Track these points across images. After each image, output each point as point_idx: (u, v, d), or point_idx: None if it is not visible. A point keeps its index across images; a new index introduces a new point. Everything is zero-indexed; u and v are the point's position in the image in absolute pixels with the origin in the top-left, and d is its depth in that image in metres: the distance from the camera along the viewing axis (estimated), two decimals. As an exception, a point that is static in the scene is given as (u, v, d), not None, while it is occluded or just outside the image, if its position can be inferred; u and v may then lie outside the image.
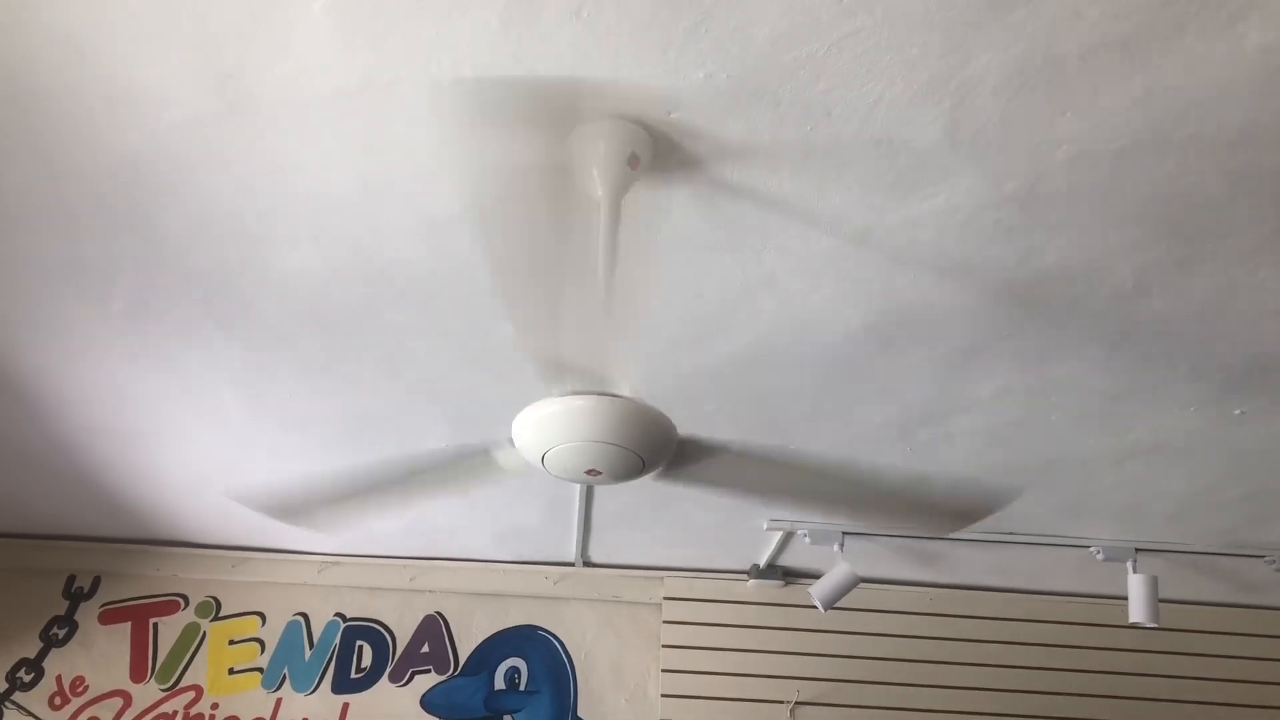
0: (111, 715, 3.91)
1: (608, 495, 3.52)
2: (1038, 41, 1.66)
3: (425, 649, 4.06)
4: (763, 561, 4.01)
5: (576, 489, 3.46)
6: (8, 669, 3.93)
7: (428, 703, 4.00)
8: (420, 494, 2.29)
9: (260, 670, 4.00)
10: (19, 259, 2.35)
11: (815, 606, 3.58)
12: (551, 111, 1.85)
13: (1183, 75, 1.71)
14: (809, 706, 4.00)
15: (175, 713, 3.93)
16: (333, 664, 4.03)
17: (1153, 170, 1.93)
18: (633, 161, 1.88)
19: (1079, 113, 1.80)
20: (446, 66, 1.76)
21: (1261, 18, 1.60)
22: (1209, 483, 3.19)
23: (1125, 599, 3.46)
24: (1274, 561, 3.63)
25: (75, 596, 4.05)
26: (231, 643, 4.04)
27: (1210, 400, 2.73)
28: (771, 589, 4.10)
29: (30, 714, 3.88)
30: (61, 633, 4.00)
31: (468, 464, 2.06)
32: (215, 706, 3.95)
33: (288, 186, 2.08)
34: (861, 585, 3.54)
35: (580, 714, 4.02)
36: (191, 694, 3.96)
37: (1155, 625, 3.40)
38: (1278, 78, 1.70)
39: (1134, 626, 3.44)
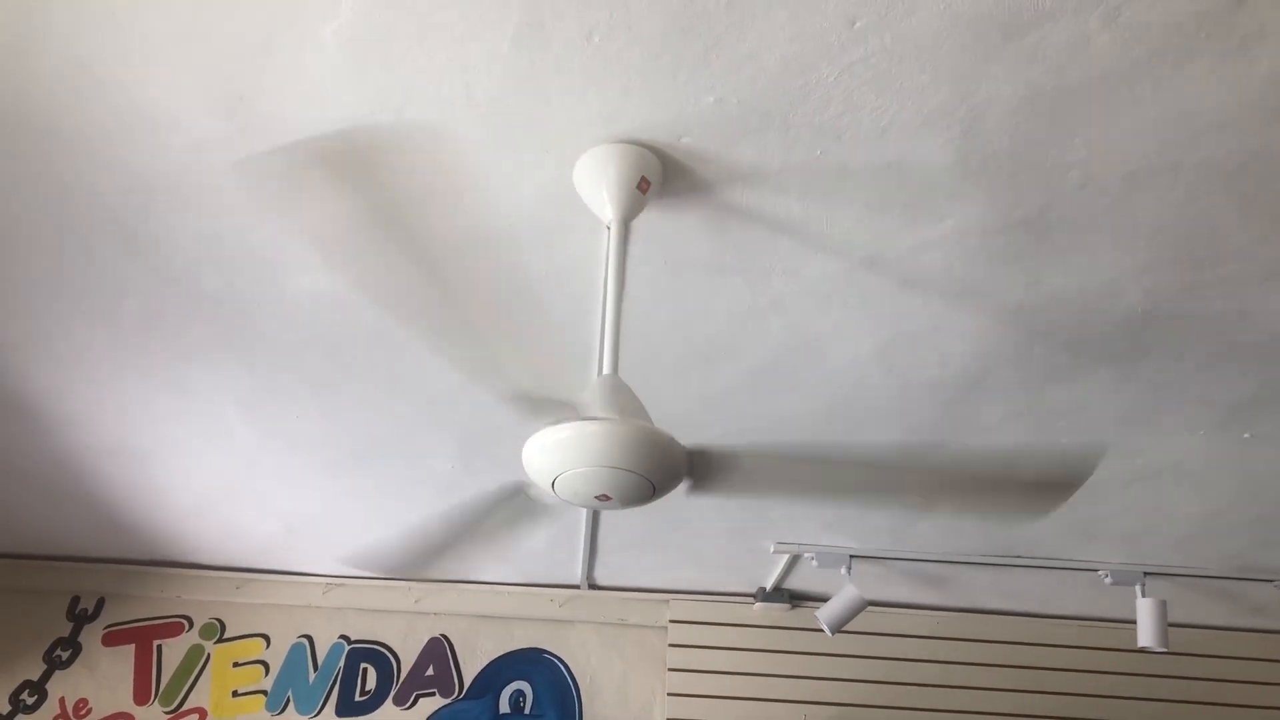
0: (115, 738, 3.90)
1: (614, 518, 3.51)
2: (1048, 67, 1.66)
3: (430, 672, 4.05)
4: (769, 584, 4.00)
5: (583, 511, 3.45)
6: (10, 691, 3.92)
7: (432, 726, 3.99)
8: (477, 542, 2.36)
9: (264, 693, 3.99)
10: (29, 279, 2.36)
11: (822, 630, 3.56)
12: (562, 135, 1.86)
13: (1193, 101, 1.71)
14: (815, 731, 3.98)
15: (178, 735, 3.92)
16: (337, 687, 4.01)
17: (1163, 195, 1.93)
18: (643, 185, 1.88)
19: (1089, 138, 1.80)
20: (458, 90, 1.77)
21: (1272, 44, 1.60)
22: (1218, 506, 3.18)
23: (1134, 623, 3.44)
24: (1283, 585, 3.62)
25: (79, 618, 4.04)
26: (236, 665, 4.02)
27: (1219, 424, 2.72)
28: (778, 612, 4.08)
29: (33, 736, 3.87)
30: (65, 654, 3.99)
31: (512, 505, 2.08)
32: (219, 729, 3.94)
33: (297, 209, 2.08)
34: (869, 609, 3.53)
35: (585, 738, 4.01)
36: (195, 716, 3.95)
37: (1164, 649, 3.39)
38: (1288, 103, 1.71)
39: (1143, 650, 3.43)
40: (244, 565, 4.04)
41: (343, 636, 4.07)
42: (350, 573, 4.06)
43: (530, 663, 4.08)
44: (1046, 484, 2.11)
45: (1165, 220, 2.00)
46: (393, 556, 2.55)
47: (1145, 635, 3.39)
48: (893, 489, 2.21)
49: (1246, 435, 2.78)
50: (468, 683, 4.04)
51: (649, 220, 2.04)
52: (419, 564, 2.50)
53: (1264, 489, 3.07)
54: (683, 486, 1.86)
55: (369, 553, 2.56)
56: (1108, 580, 3.59)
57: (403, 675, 4.04)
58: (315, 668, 4.03)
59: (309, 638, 4.06)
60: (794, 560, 3.73)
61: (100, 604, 4.05)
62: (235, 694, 3.98)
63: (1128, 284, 2.19)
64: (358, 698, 4.00)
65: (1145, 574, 3.56)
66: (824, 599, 3.65)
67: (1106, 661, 4.07)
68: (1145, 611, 3.42)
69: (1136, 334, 2.36)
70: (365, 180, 1.99)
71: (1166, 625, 3.40)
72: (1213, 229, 2.02)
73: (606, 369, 1.85)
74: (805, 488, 2.25)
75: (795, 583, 3.99)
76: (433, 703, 4.01)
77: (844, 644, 3.93)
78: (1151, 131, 1.78)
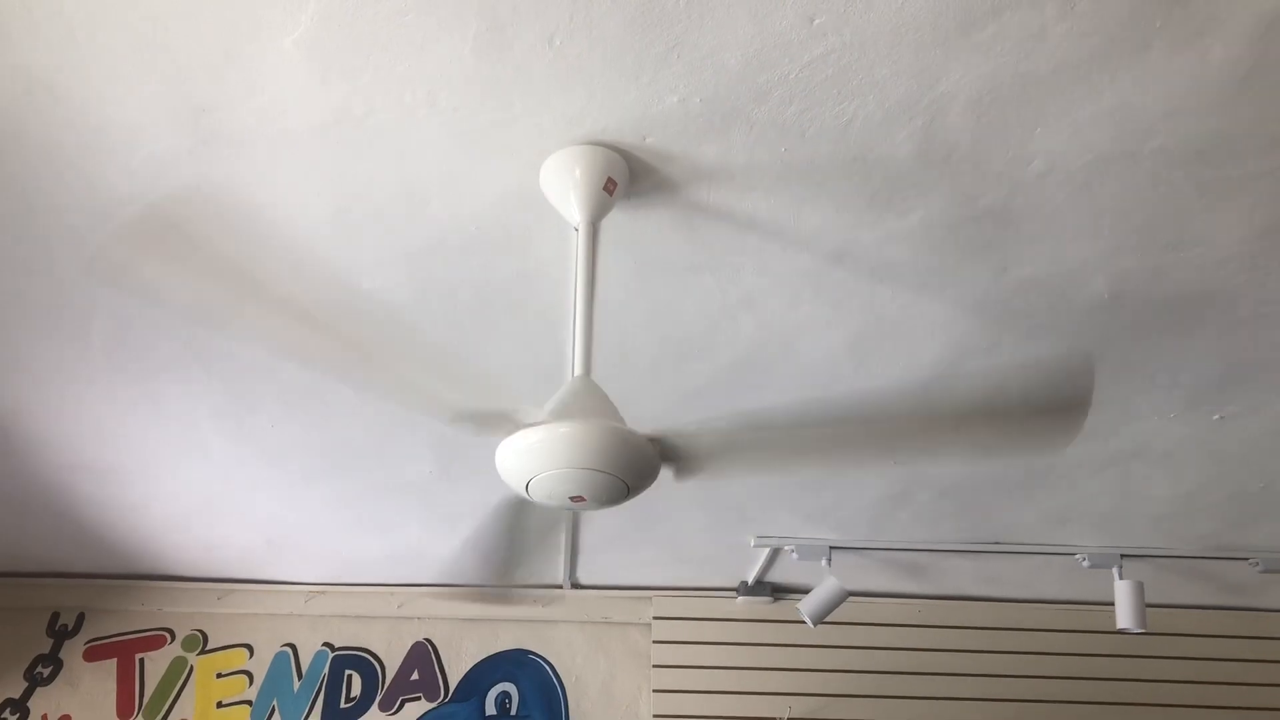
0: (99, 753, 3.88)
1: (594, 517, 3.52)
2: (1006, 59, 1.68)
3: (415, 676, 4.04)
4: (751, 578, 4.01)
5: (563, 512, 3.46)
6: (-8, 710, 3.90)
7: (419, 730, 3.98)
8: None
9: (249, 703, 3.97)
10: (-5, 298, 2.34)
11: (804, 622, 3.58)
12: (527, 139, 1.86)
13: (1150, 89, 1.73)
14: (801, 722, 4.00)
15: (164, 749, 3.91)
16: (322, 694, 4.00)
17: (1124, 182, 1.95)
18: (609, 186, 1.89)
19: (1049, 128, 1.82)
20: (421, 97, 1.77)
21: (1224, 33, 1.62)
22: (1190, 487, 3.21)
23: (1112, 605, 3.47)
24: (1257, 563, 3.66)
25: (59, 634, 4.01)
26: (219, 676, 4.01)
27: (1188, 406, 2.75)
28: (760, 605, 4.10)
29: (16, 755, 3.85)
30: (46, 671, 3.96)
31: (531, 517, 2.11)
32: (204, 741, 3.93)
33: (264, 219, 2.08)
34: (850, 599, 3.55)
35: (572, 737, 4.02)
36: (180, 729, 3.93)
37: (1142, 630, 3.42)
38: (1242, 90, 1.73)
39: (1121, 632, 3.46)
40: (225, 576, 4.02)
41: (326, 644, 4.06)
42: (332, 580, 4.05)
43: (515, 664, 4.09)
44: (1057, 406, 1.89)
45: (1128, 206, 2.02)
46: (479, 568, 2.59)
47: (1123, 617, 3.42)
48: (892, 441, 1.99)
49: (1216, 416, 2.81)
50: (453, 686, 4.04)
51: (617, 221, 2.04)
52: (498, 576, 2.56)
53: (1236, 469, 3.10)
54: (669, 474, 1.86)
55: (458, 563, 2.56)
56: (1085, 564, 3.62)
57: (388, 681, 4.03)
58: (299, 676, 4.02)
59: (292, 646, 4.05)
60: (774, 554, 3.75)
61: (80, 619, 4.02)
62: (220, 705, 3.96)
63: (1093, 270, 2.22)
64: (343, 705, 3.99)
65: (1122, 556, 3.59)
66: (805, 591, 3.66)
67: (1086, 644, 4.10)
68: (1123, 593, 3.45)
69: (1104, 319, 2.38)
70: (330, 189, 1.99)
71: (1144, 606, 3.43)
72: (1174, 213, 2.04)
73: (579, 371, 1.86)
74: (799, 456, 2.10)
75: (776, 576, 4.00)
76: (418, 707, 4.00)
77: (826, 635, 3.95)
78: (1110, 119, 1.80)
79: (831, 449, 2.01)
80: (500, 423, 1.72)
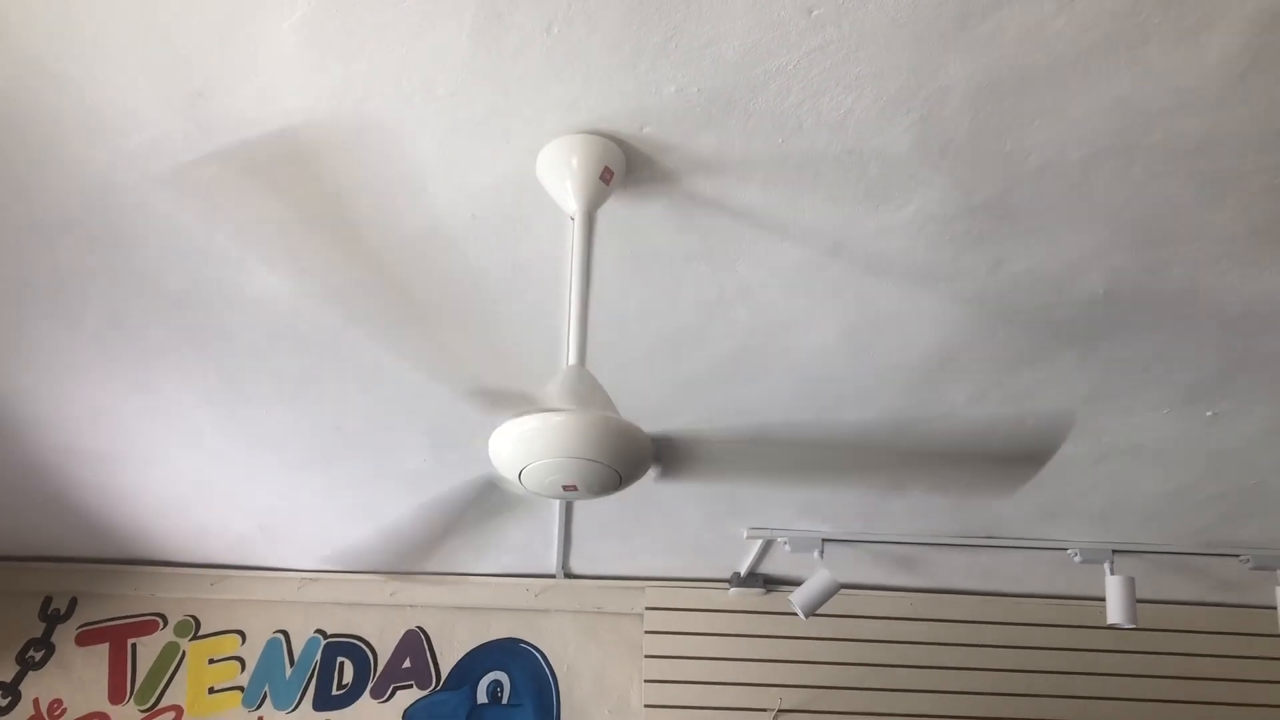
0: (90, 737, 3.88)
1: (587, 506, 3.52)
2: (1005, 52, 1.68)
3: (407, 664, 4.05)
4: (743, 570, 4.02)
5: (556, 501, 3.46)
6: (-16, 693, 3.90)
7: (410, 718, 3.98)
8: (457, 539, 2.40)
9: (241, 689, 3.98)
10: (-10, 281, 2.34)
11: (796, 614, 3.59)
12: (524, 126, 1.86)
13: (1148, 84, 1.73)
14: (792, 713, 4.00)
15: (155, 733, 3.91)
16: (314, 681, 4.00)
17: (1121, 177, 1.95)
18: (606, 175, 1.88)
19: (1047, 122, 1.82)
20: (417, 83, 1.76)
21: (1222, 29, 1.62)
22: (1183, 483, 3.22)
23: (1103, 600, 3.48)
24: (1248, 560, 3.66)
25: (52, 618, 4.01)
26: (211, 661, 4.01)
27: (1182, 402, 2.76)
28: (752, 597, 4.11)
29: (7, 738, 3.85)
30: (38, 655, 3.96)
31: (486, 500, 2.10)
32: (196, 726, 3.93)
33: (258, 206, 2.07)
34: (842, 591, 3.55)
35: (563, 726, 4.03)
36: (171, 714, 3.93)
37: (1133, 626, 3.43)
38: (1239, 86, 1.73)
39: (1112, 627, 3.47)
40: (218, 561, 4.02)
41: (319, 631, 4.06)
42: (325, 567, 4.05)
43: (507, 653, 4.09)
44: (1018, 457, 2.10)
45: (1124, 201, 2.02)
46: (376, 553, 2.58)
47: (1114, 612, 3.43)
48: (861, 470, 2.21)
49: (1209, 413, 2.81)
50: (445, 674, 4.04)
51: (613, 210, 2.04)
52: (401, 561, 2.53)
53: (1228, 465, 3.11)
54: (651, 474, 1.87)
55: (353, 550, 2.56)
56: (1077, 559, 3.63)
57: (380, 668, 4.04)
58: (292, 662, 4.02)
59: (285, 633, 4.05)
60: (767, 545, 3.75)
61: (73, 604, 4.02)
62: (211, 690, 3.97)
63: (1089, 265, 2.22)
64: (335, 691, 4.00)
65: (1113, 551, 3.60)
66: (797, 583, 3.67)
67: (1077, 638, 4.12)
68: (1114, 588, 3.46)
69: (1098, 314, 2.38)
70: (326, 175, 1.99)
71: (1135, 602, 3.44)
72: (1170, 209, 2.04)
73: (573, 360, 1.86)
74: (773, 472, 2.27)
75: (769, 567, 4.01)
76: (410, 695, 4.01)
77: (818, 627, 3.95)
78: (1108, 114, 1.80)
79: (815, 471, 2.23)
80: (518, 403, 1.72)
